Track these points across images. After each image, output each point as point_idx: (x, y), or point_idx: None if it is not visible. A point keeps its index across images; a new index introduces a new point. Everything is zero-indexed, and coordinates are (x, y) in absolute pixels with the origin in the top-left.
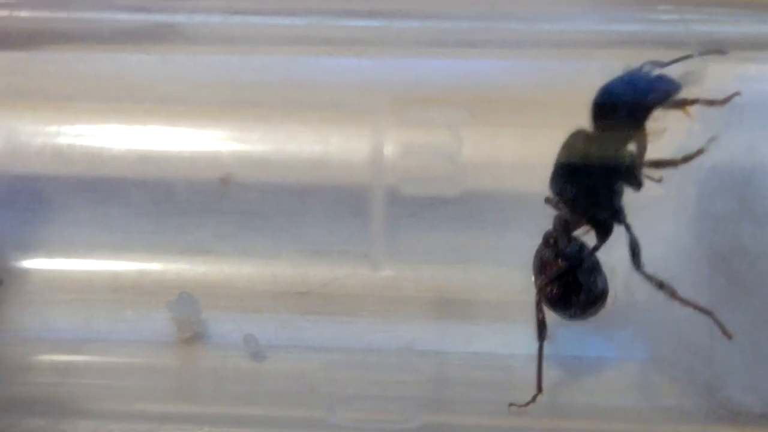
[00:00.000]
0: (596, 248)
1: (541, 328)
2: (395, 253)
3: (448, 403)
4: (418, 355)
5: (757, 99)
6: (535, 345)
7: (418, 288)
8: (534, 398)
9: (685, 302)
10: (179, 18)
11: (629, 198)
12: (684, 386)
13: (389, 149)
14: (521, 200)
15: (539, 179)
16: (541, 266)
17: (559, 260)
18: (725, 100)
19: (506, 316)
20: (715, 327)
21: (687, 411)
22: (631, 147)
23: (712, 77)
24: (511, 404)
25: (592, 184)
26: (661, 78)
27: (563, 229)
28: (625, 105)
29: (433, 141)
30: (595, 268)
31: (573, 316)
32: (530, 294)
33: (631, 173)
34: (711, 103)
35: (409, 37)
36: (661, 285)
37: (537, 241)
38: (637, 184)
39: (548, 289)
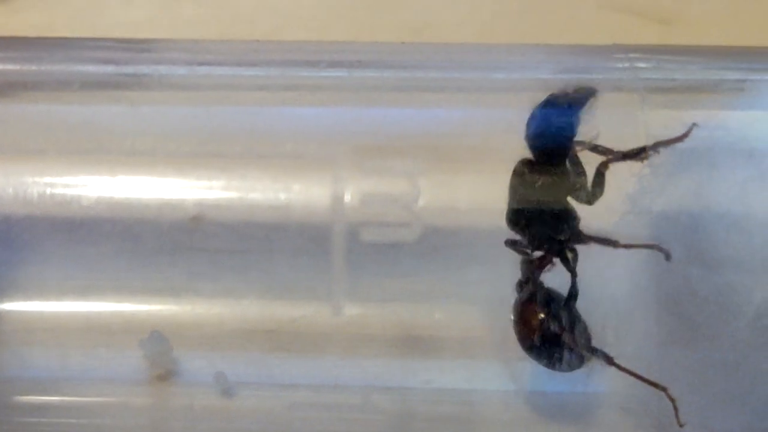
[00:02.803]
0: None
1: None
2: (357, 294)
3: None
4: (382, 392)
5: (702, 145)
6: (496, 380)
7: (382, 326)
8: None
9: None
10: (146, 69)
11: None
12: (638, 420)
13: (349, 197)
14: (480, 239)
15: (496, 219)
16: (522, 320)
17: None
18: (680, 138)
19: (468, 352)
20: (665, 364)
21: None
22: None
23: (659, 123)
24: None
25: (547, 206)
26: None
27: (531, 272)
28: (552, 129)
29: (391, 189)
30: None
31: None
32: (490, 330)
33: (580, 188)
34: (667, 142)
35: (369, 86)
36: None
37: (495, 277)
38: (588, 200)
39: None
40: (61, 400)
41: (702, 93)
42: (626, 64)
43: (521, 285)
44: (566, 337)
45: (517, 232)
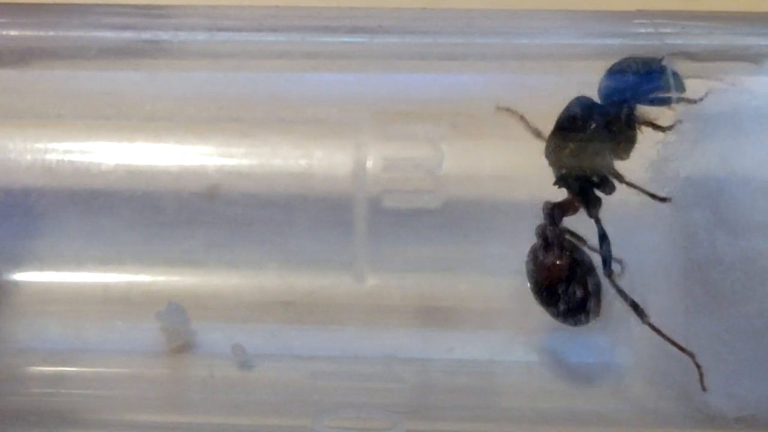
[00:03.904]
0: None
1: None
2: (379, 263)
3: (432, 409)
4: (403, 363)
5: (728, 110)
6: (517, 351)
7: (403, 297)
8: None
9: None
10: (165, 35)
11: (606, 208)
12: (662, 391)
13: (371, 163)
14: (502, 210)
15: (519, 189)
16: (539, 266)
17: (558, 258)
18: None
19: (489, 323)
20: (691, 331)
21: (665, 415)
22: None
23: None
24: None
25: (591, 147)
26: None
27: (558, 214)
28: (633, 84)
29: (414, 155)
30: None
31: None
32: (512, 301)
33: (627, 144)
34: (660, 127)
35: (390, 52)
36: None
37: (518, 249)
38: (626, 156)
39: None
40: (78, 372)
41: (727, 58)
42: (650, 30)
43: (542, 229)
44: (590, 281)
45: (552, 163)
